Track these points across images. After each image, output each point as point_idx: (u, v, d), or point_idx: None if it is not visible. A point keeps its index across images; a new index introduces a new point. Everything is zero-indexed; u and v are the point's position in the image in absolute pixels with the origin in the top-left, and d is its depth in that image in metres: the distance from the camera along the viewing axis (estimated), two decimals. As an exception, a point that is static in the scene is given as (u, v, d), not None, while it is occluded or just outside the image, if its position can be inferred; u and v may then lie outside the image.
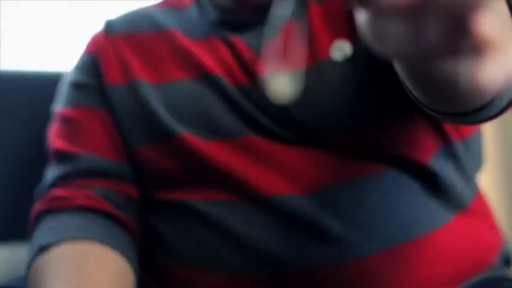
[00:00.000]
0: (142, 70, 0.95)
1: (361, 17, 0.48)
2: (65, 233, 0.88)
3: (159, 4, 1.03)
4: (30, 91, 1.16)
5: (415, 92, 0.69)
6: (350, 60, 0.86)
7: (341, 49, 0.86)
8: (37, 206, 0.93)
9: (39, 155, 1.11)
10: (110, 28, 1.00)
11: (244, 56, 0.91)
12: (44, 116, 1.09)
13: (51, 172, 0.96)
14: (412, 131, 0.87)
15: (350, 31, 0.86)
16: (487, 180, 1.57)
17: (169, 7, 1.01)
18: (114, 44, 0.98)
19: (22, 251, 1.10)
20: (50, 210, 0.92)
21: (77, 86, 0.98)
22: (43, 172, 1.00)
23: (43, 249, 0.87)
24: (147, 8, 1.02)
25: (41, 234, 0.89)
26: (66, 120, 0.97)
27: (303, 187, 0.85)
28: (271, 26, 0.90)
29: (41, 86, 1.16)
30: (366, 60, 0.85)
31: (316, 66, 0.86)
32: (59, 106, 0.99)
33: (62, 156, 0.96)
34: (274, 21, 0.91)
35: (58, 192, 0.93)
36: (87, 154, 0.95)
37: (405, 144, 0.86)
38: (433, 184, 0.87)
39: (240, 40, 0.93)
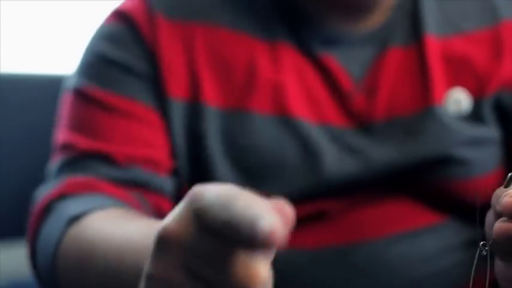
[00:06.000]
0: (212, 87, 0.75)
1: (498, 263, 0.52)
2: (96, 203, 0.68)
3: None
4: (32, 93, 1.16)
5: None
6: (466, 118, 0.77)
7: (458, 102, 0.77)
8: (47, 196, 0.72)
9: (41, 155, 1.11)
10: (167, 4, 0.75)
11: (342, 86, 0.77)
12: (46, 118, 1.10)
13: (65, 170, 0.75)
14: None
15: (472, 80, 0.78)
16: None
17: None
18: (179, 34, 0.75)
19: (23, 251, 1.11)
20: (66, 196, 0.71)
21: (116, 65, 0.75)
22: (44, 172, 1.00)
23: (75, 219, 0.66)
24: None
25: (67, 209, 0.68)
26: (97, 104, 0.74)
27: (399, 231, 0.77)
28: (373, 44, 0.77)
29: (43, 88, 1.15)
30: (484, 122, 0.77)
31: (426, 111, 0.76)
32: (83, 83, 0.76)
33: (85, 155, 0.74)
34: (378, 39, 0.77)
35: (78, 179, 0.72)
36: (118, 159, 0.73)
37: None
38: None
39: (333, 60, 0.77)
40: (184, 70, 0.74)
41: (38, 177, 1.05)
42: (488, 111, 0.78)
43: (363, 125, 0.77)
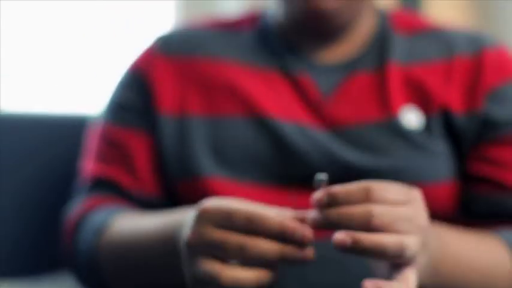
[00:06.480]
0: (197, 102, 0.93)
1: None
2: (114, 211, 0.90)
3: (212, 24, 0.99)
4: (45, 133, 1.16)
5: None
6: (417, 131, 0.91)
7: (411, 118, 0.91)
8: (73, 216, 0.93)
9: (49, 193, 1.13)
10: (167, 46, 0.96)
11: (310, 95, 0.91)
12: (57, 157, 1.13)
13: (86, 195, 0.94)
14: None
15: (424, 100, 0.92)
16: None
17: (224, 30, 0.98)
18: (172, 65, 0.95)
19: None
20: (91, 212, 0.92)
21: (123, 106, 0.95)
22: (51, 210, 1.02)
23: (103, 229, 0.87)
24: (200, 28, 0.99)
25: (93, 222, 0.89)
26: (108, 140, 0.95)
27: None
28: (343, 69, 0.94)
29: (56, 128, 1.17)
30: (432, 136, 0.91)
31: (383, 124, 0.90)
32: (102, 123, 0.97)
33: (99, 182, 0.94)
34: (348, 65, 0.94)
35: (97, 198, 0.93)
36: (126, 185, 0.93)
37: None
38: None
39: (306, 77, 0.92)
40: (174, 92, 0.94)
41: (45, 213, 1.07)
42: (436, 128, 0.91)
43: (329, 127, 0.90)
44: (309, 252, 0.66)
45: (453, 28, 0.99)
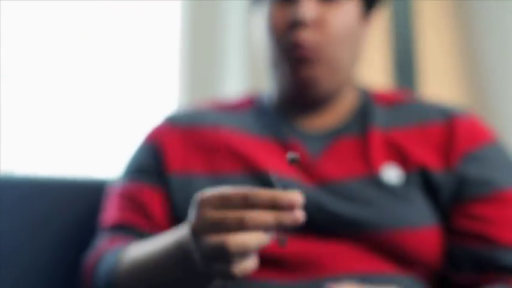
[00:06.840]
0: (199, 162, 1.06)
1: None
2: (131, 244, 1.00)
3: (215, 105, 1.14)
4: (52, 197, 1.21)
5: None
6: (397, 186, 1.00)
7: (391, 173, 1.01)
8: (92, 257, 1.03)
9: (61, 262, 1.17)
10: (174, 121, 1.11)
11: (300, 158, 1.03)
12: (71, 222, 1.19)
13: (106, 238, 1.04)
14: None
15: (403, 160, 1.02)
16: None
17: (226, 110, 1.13)
18: (179, 134, 1.09)
19: None
20: (107, 251, 1.02)
21: (140, 169, 1.08)
22: (67, 272, 1.10)
23: (117, 262, 0.96)
24: (204, 108, 1.14)
25: (110, 256, 0.98)
26: (126, 196, 1.07)
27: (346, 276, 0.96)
28: (330, 135, 1.07)
29: (63, 192, 1.21)
30: (411, 189, 1.00)
31: (367, 176, 1.00)
32: (118, 186, 1.09)
33: (118, 227, 1.04)
34: (334, 132, 1.07)
35: (113, 239, 1.03)
36: (142, 227, 1.04)
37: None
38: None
39: (297, 143, 1.05)
40: (181, 156, 1.07)
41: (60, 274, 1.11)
42: (415, 183, 1.01)
43: (318, 183, 1.01)
44: (299, 214, 0.73)
45: (428, 101, 1.10)
